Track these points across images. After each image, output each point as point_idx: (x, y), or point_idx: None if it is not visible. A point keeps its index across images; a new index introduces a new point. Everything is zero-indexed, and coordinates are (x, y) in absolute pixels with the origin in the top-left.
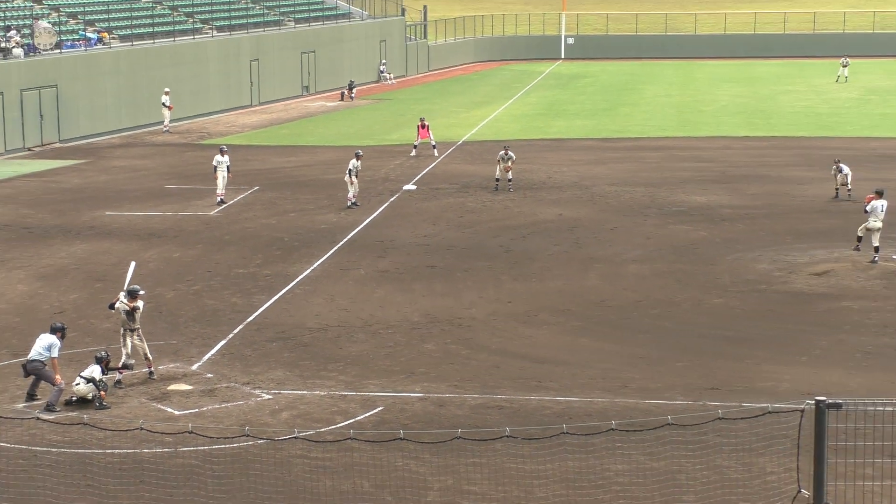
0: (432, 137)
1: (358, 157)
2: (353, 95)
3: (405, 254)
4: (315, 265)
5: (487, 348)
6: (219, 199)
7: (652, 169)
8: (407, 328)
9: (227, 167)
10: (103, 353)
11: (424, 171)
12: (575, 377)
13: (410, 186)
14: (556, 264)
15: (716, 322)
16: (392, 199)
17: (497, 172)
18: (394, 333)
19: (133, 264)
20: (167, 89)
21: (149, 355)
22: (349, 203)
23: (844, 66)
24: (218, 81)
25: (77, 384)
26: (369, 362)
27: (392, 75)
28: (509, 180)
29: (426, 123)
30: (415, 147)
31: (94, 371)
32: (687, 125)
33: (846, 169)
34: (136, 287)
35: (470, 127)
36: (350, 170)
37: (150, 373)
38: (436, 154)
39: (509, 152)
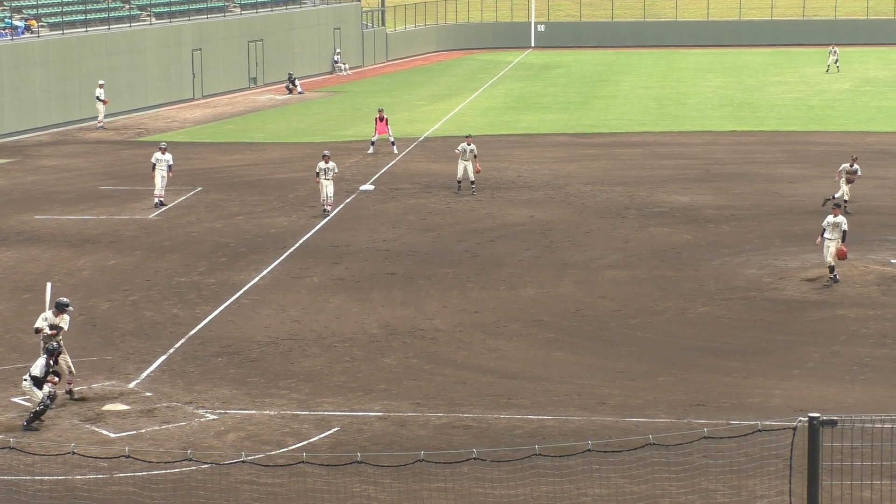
0: (391, 133)
1: (325, 158)
2: (300, 89)
3: (362, 260)
4: (264, 273)
5: (453, 362)
6: (157, 200)
7: (630, 167)
8: (365, 341)
9: (169, 166)
10: (55, 344)
11: (383, 170)
12: (548, 394)
13: (368, 187)
14: (527, 271)
15: (701, 333)
16: (348, 201)
17: (459, 171)
18: (350, 347)
19: (49, 285)
20: (102, 82)
21: (72, 369)
22: (325, 208)
23: (833, 56)
24: (157, 73)
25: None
26: (324, 378)
27: (347, 66)
28: (472, 182)
29: (385, 116)
30: (372, 144)
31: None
32: (668, 119)
33: (860, 171)
34: (65, 300)
35: (432, 122)
36: (317, 172)
37: (69, 392)
38: (395, 151)
39: (472, 145)
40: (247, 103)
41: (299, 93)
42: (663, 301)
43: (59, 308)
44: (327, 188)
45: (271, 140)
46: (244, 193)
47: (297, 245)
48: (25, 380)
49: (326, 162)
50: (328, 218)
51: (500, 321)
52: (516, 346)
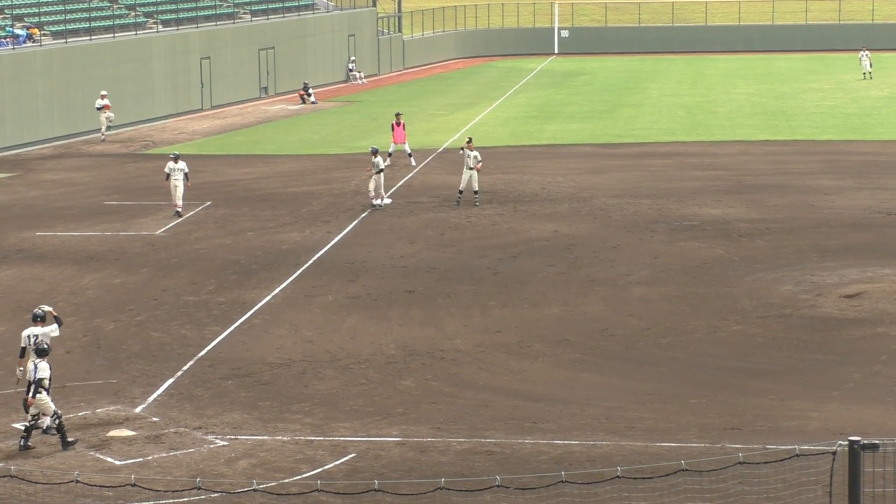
0: (408, 145)
1: (374, 153)
2: (313, 99)
3: (379, 277)
4: (276, 291)
5: (474, 385)
6: (178, 210)
7: (659, 178)
8: (382, 362)
9: (185, 174)
10: (44, 345)
11: (400, 183)
12: (574, 417)
13: (385, 200)
14: (552, 288)
15: (734, 352)
16: (364, 215)
17: (462, 181)
18: (367, 369)
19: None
20: (104, 92)
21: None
22: (373, 203)
23: (865, 60)
24: (164, 83)
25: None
26: (339, 402)
27: (362, 74)
28: (475, 193)
29: (402, 122)
30: (389, 155)
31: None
32: (698, 128)
33: None
34: (40, 311)
35: (451, 132)
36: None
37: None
38: (413, 163)
39: (473, 151)
40: (258, 114)
41: (312, 102)
42: (694, 319)
43: (36, 321)
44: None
45: (283, 152)
46: (255, 208)
47: (310, 262)
48: (39, 392)
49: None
50: (343, 233)
51: (523, 341)
52: (541, 368)
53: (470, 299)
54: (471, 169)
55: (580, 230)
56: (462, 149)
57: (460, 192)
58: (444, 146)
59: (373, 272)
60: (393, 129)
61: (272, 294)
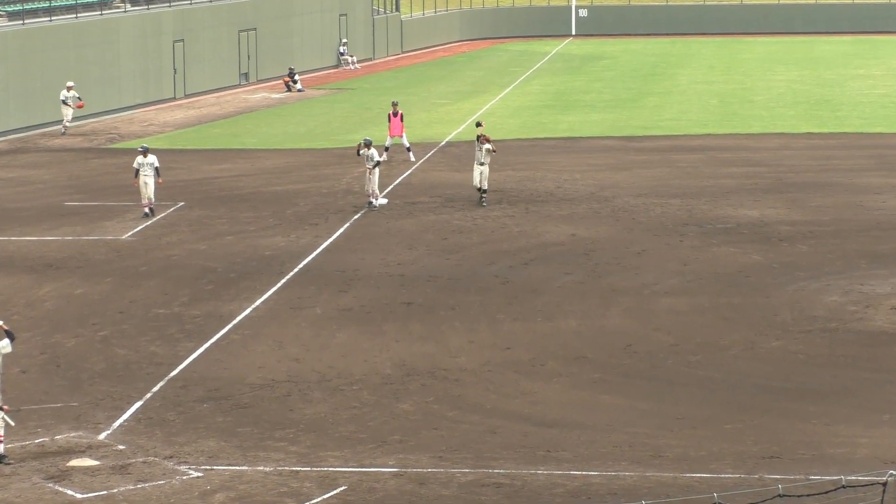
0: (406, 138)
1: (367, 145)
2: (300, 87)
3: (374, 287)
4: (258, 303)
5: (481, 408)
6: (145, 210)
7: (689, 175)
8: (377, 383)
9: (155, 168)
10: None
11: (398, 181)
12: (594, 445)
13: (380, 200)
14: (568, 299)
15: (774, 371)
16: (357, 217)
17: (474, 177)
18: (360, 390)
19: None
20: (70, 83)
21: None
22: (370, 202)
23: None
24: (132, 68)
25: None
26: (328, 428)
27: (355, 58)
28: (483, 191)
29: (399, 111)
30: (386, 149)
31: None
32: (733, 119)
33: None
34: None
35: (455, 124)
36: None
37: None
38: (412, 158)
39: (486, 144)
40: (237, 103)
41: (299, 90)
42: (729, 334)
43: None
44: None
45: (266, 146)
46: (234, 209)
47: (296, 270)
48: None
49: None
50: (334, 236)
51: (536, 359)
52: (556, 389)
53: (476, 312)
54: (482, 164)
55: (600, 234)
56: (479, 139)
57: (479, 189)
58: (447, 139)
59: (366, 281)
60: (389, 121)
61: (253, 306)
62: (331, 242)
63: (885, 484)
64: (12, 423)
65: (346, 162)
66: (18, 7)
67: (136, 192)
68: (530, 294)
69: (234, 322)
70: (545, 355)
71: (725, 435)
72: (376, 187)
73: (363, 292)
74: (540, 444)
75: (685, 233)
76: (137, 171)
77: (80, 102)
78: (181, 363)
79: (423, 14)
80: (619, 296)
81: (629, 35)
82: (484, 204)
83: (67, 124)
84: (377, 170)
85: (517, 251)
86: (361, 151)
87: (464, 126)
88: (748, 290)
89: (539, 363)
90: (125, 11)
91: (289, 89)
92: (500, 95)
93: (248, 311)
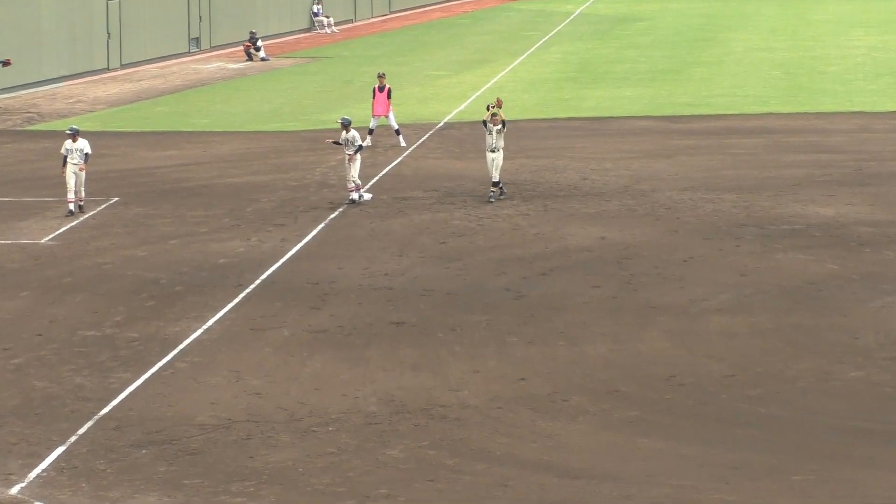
0: (394, 117)
1: (344, 125)
2: (263, 55)
3: (354, 303)
4: (210, 323)
5: (488, 455)
6: (70, 207)
7: (746, 164)
8: (358, 423)
9: (85, 155)
10: None
11: (385, 171)
12: (630, 500)
13: (363, 195)
14: (597, 318)
15: (853, 408)
16: (334, 216)
17: (489, 166)
18: (337, 432)
19: None
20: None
21: None
22: (351, 197)
23: None
24: (56, 33)
25: None
26: (298, 479)
27: (332, 21)
28: (494, 184)
29: (386, 84)
30: (370, 132)
31: None
32: (800, 95)
33: None
34: None
35: (456, 101)
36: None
37: None
38: (402, 143)
39: (499, 125)
40: (186, 75)
41: (262, 59)
42: (797, 362)
43: None
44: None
45: (221, 128)
46: (181, 206)
47: (258, 281)
48: None
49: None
50: (305, 240)
51: (557, 392)
52: (581, 430)
53: (482, 334)
54: (495, 151)
55: (637, 237)
56: (488, 120)
57: (494, 183)
58: (445, 120)
59: (346, 296)
60: (374, 97)
61: (204, 327)
62: (301, 248)
63: None
64: None
65: (319, 148)
66: None
67: (62, 184)
68: (549, 312)
69: (181, 347)
70: (568, 388)
71: (794, 488)
72: (357, 178)
73: (341, 310)
74: (562, 498)
75: (742, 235)
76: (65, 158)
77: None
78: (114, 398)
79: None
80: (659, 314)
81: None
82: (492, 199)
83: None
84: (359, 157)
85: (533, 258)
86: (341, 137)
87: (466, 103)
88: (821, 307)
89: (561, 398)
90: None
91: (250, 58)
92: (512, 66)
93: (198, 334)
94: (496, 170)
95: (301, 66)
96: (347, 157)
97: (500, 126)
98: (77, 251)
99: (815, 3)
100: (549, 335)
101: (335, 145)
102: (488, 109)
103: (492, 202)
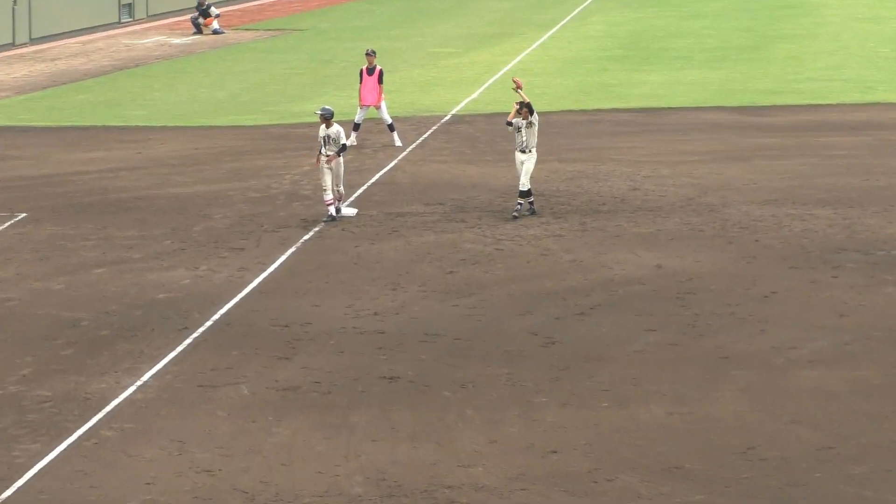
0: (386, 108)
1: (324, 117)
2: (216, 27)
3: (334, 351)
4: (146, 378)
5: None
6: None
7: (847, 170)
8: None
9: None
10: None
11: (374, 179)
12: None
13: (344, 210)
14: (652, 371)
15: None
16: (307, 237)
17: (519, 169)
18: None
19: None
20: None
21: None
22: (330, 212)
23: None
24: None
25: None
26: None
27: None
28: (524, 193)
29: (377, 66)
30: (356, 128)
31: None
32: None
33: None
34: None
35: (467, 87)
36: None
37: None
38: (396, 141)
39: (528, 118)
40: (116, 53)
41: (215, 32)
42: None
43: None
44: None
45: (161, 122)
46: (108, 224)
47: (209, 323)
48: None
49: None
50: (271, 268)
51: (599, 469)
52: None
53: (502, 392)
54: (527, 151)
55: (703, 265)
56: (520, 109)
57: (522, 193)
58: (453, 111)
59: (323, 342)
60: (361, 80)
61: (139, 383)
62: (266, 279)
63: None
64: None
65: (289, 147)
66: None
67: None
68: (589, 363)
69: (108, 409)
70: (614, 464)
71: None
72: (342, 186)
73: (318, 360)
74: None
75: (840, 264)
76: None
77: None
78: (19, 478)
79: None
80: (733, 366)
81: None
82: (516, 215)
83: None
84: (342, 158)
85: (568, 293)
86: (320, 133)
87: (480, 90)
88: None
89: (604, 476)
90: None
91: (198, 30)
92: (540, 41)
93: (129, 392)
94: (526, 174)
95: (265, 42)
96: (325, 158)
97: (530, 118)
98: None
99: None
100: (589, 394)
101: (318, 156)
102: (516, 82)
103: (516, 218)
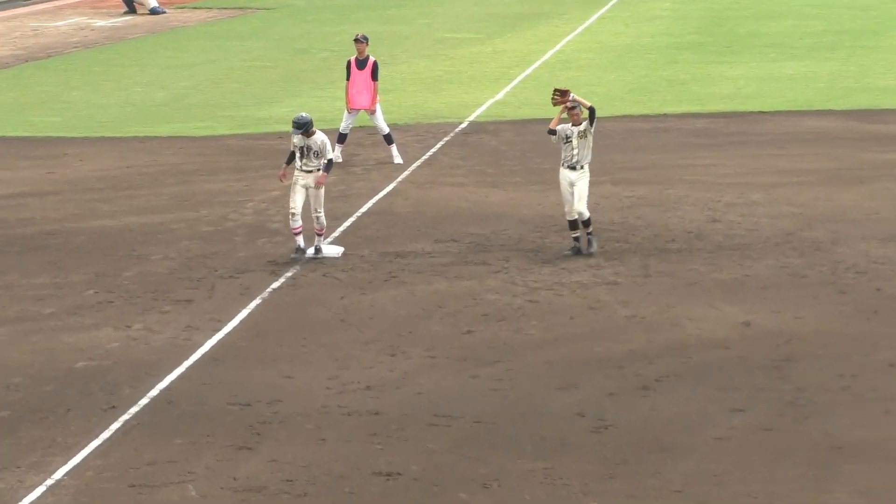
0: (381, 114)
1: (300, 126)
2: (154, 4)
3: (313, 439)
4: (59, 475)
5: None
6: None
7: None
8: None
9: None
10: None
11: (368, 205)
12: None
13: (325, 248)
14: (742, 464)
15: None
16: (277, 285)
17: (565, 195)
18: None
19: None
20: None
21: None
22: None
23: None
24: None
25: None
26: None
27: None
28: (584, 226)
29: (369, 56)
30: (342, 139)
31: None
32: None
33: None
34: None
35: (490, 87)
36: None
37: None
38: (396, 157)
39: (579, 125)
40: (20, 39)
41: (153, 11)
42: None
43: None
44: None
45: (82, 132)
46: (9, 268)
47: (145, 400)
48: None
49: None
50: (228, 328)
51: None
52: None
53: (537, 494)
54: (578, 168)
55: (807, 323)
56: (557, 129)
57: (581, 223)
58: (471, 117)
59: (298, 427)
60: (349, 76)
61: (50, 482)
62: (220, 341)
63: None
64: None
65: (252, 166)
66: None
67: None
68: (655, 455)
69: None
70: None
71: None
72: (321, 212)
73: (290, 452)
74: None
75: None
76: None
77: None
78: None
79: None
80: (848, 459)
81: None
82: (570, 252)
83: None
84: (326, 178)
85: (626, 361)
86: (294, 143)
87: (507, 89)
88: None
89: None
90: None
91: (131, 9)
92: (587, 23)
93: (37, 494)
94: (581, 200)
95: (220, 24)
96: (302, 175)
97: (581, 126)
98: None
99: None
100: (657, 495)
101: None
102: (557, 100)
103: (568, 256)
